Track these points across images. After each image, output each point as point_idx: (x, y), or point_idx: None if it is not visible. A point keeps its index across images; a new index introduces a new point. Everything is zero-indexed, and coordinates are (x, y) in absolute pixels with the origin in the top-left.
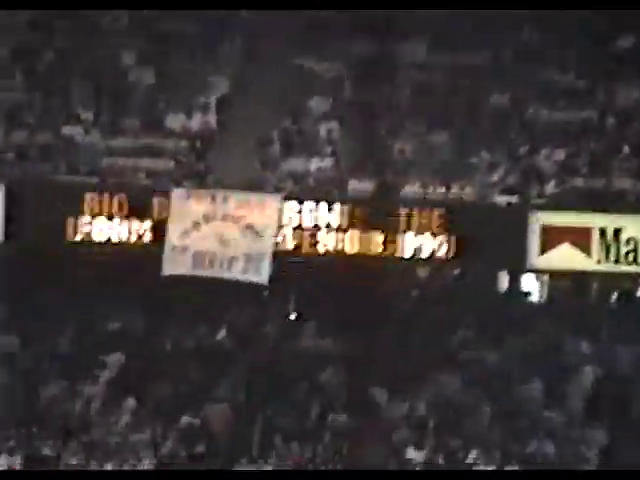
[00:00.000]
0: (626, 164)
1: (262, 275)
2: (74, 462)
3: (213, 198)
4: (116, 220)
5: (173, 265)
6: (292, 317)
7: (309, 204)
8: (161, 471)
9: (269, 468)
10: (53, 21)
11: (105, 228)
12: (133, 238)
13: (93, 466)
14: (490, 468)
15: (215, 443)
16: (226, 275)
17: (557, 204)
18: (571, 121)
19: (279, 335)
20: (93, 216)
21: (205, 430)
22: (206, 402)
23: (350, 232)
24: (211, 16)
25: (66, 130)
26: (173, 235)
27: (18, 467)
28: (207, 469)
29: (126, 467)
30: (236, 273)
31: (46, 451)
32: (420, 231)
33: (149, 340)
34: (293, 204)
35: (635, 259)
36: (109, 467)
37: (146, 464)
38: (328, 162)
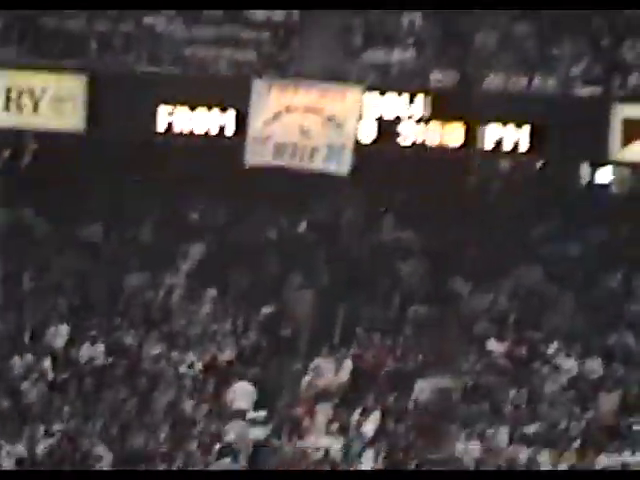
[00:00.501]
0: None
1: (343, 166)
2: (156, 351)
3: (295, 88)
4: (199, 111)
5: (255, 155)
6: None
7: (391, 95)
8: (161, 471)
9: (349, 357)
10: None
11: (187, 119)
12: (215, 129)
13: (174, 356)
14: (571, 360)
15: (297, 330)
16: (307, 165)
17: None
18: None
19: (361, 226)
20: (176, 106)
21: (287, 318)
22: (287, 291)
23: (432, 124)
24: None
25: (148, 20)
26: (255, 126)
27: (101, 357)
28: (206, 469)
29: (207, 357)
30: (317, 164)
31: (128, 340)
32: (502, 123)
33: (230, 231)
34: (375, 95)
35: None
36: (190, 357)
37: (227, 354)
38: (410, 53)
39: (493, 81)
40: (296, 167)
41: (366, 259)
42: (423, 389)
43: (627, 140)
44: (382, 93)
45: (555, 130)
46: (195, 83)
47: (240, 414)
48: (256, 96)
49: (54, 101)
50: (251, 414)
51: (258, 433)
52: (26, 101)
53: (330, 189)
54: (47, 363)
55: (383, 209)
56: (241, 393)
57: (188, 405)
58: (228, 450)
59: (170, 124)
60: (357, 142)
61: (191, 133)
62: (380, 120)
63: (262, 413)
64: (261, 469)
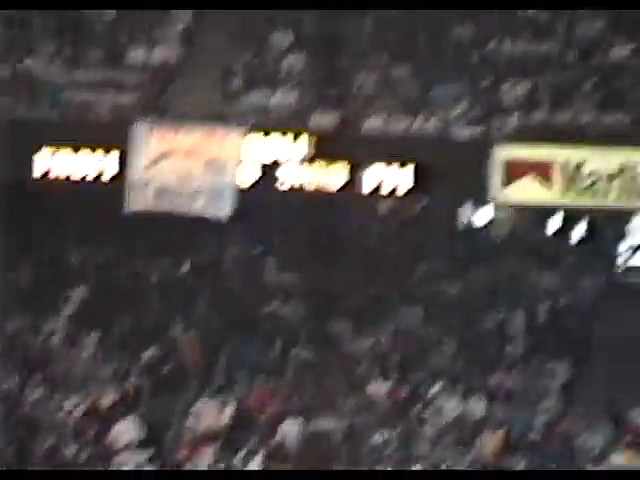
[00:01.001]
0: (588, 97)
1: (224, 210)
2: (37, 396)
3: (175, 131)
4: (78, 155)
5: (136, 201)
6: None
7: (271, 138)
8: (162, 471)
9: (232, 400)
10: None
11: (67, 163)
12: (95, 173)
13: (56, 399)
14: (454, 400)
15: (180, 375)
16: (188, 210)
17: (519, 137)
18: (533, 54)
19: (241, 270)
20: (54, 151)
21: (169, 361)
22: (170, 334)
23: (312, 165)
24: None
25: (26, 63)
26: (135, 169)
27: None
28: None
29: (89, 400)
30: (198, 208)
31: (10, 384)
32: (382, 164)
33: (112, 274)
34: (255, 137)
35: (597, 192)
36: (73, 400)
37: (110, 397)
38: (290, 95)
39: (374, 122)
40: (177, 212)
41: (248, 302)
42: (304, 431)
43: (507, 181)
44: (265, 134)
45: (436, 171)
46: (74, 127)
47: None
48: (136, 139)
49: None
50: (135, 454)
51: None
52: None
53: (212, 232)
54: None
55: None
56: (125, 431)
57: (70, 450)
58: None
59: (50, 168)
60: (238, 185)
61: (71, 177)
62: (261, 163)
63: (146, 454)
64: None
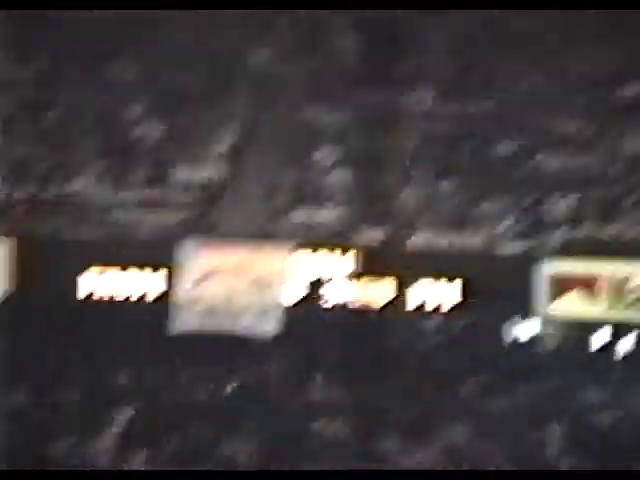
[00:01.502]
0: (634, 212)
1: (269, 329)
2: None
3: (221, 250)
4: (125, 274)
5: (183, 321)
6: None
7: (317, 255)
8: (161, 471)
9: None
10: (60, 74)
11: (114, 282)
12: (142, 292)
13: None
14: None
15: None
16: (233, 329)
17: (565, 252)
18: (579, 169)
19: (288, 388)
20: (102, 271)
21: None
22: (216, 457)
23: (358, 282)
24: (220, 67)
25: (74, 184)
26: (182, 288)
27: None
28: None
29: None
30: (245, 327)
31: None
32: (428, 280)
33: (158, 395)
34: (302, 254)
35: None
36: None
37: None
38: (337, 212)
39: (419, 238)
40: (223, 331)
41: (295, 419)
42: None
43: (554, 296)
44: (309, 252)
45: (483, 286)
46: (121, 246)
47: None
48: (183, 258)
49: None
50: None
51: None
52: None
53: (257, 350)
54: None
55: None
56: None
57: None
58: None
59: (95, 288)
60: (284, 303)
61: (117, 296)
62: (308, 280)
63: None
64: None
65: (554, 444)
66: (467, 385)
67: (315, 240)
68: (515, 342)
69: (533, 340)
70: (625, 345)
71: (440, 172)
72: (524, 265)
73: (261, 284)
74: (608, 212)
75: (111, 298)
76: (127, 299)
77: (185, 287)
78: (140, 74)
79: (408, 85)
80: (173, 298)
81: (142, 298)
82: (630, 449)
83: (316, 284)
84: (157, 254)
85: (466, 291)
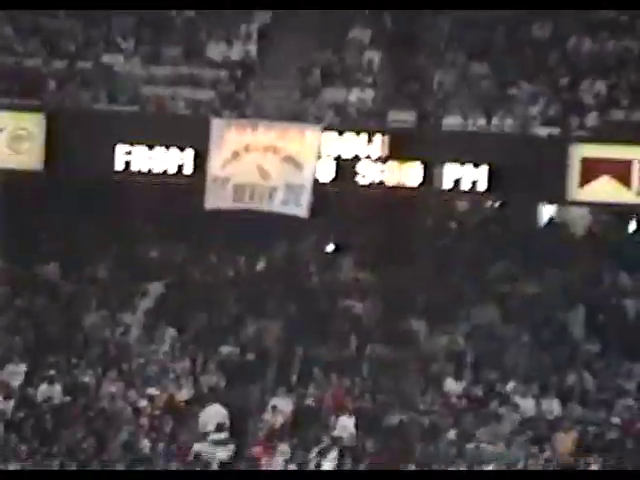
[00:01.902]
0: None
1: (302, 207)
2: (113, 390)
3: (253, 128)
4: (157, 149)
5: (215, 198)
6: (329, 249)
7: (349, 135)
8: (160, 471)
9: (309, 400)
10: None
11: (146, 158)
12: (174, 168)
13: (131, 395)
14: (529, 400)
15: (255, 370)
16: (266, 207)
17: (597, 136)
18: (612, 53)
19: (318, 267)
20: (134, 145)
21: (243, 360)
22: (245, 332)
23: (389, 163)
24: None
25: (106, 58)
26: (214, 166)
27: (58, 396)
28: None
29: (165, 395)
30: (276, 205)
31: (86, 379)
32: (460, 162)
33: (188, 270)
34: (333, 135)
35: None
36: (149, 394)
37: (184, 392)
38: (368, 93)
39: (451, 121)
40: (255, 209)
41: (324, 299)
42: (379, 428)
43: (585, 180)
44: (340, 133)
45: (513, 170)
46: (153, 122)
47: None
48: (215, 136)
49: (12, 140)
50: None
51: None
52: None
53: (288, 228)
54: (4, 403)
55: (336, 249)
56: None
57: (145, 444)
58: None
59: (128, 163)
60: (316, 181)
61: (149, 172)
62: (338, 160)
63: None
64: None
65: (578, 327)
66: (496, 267)
67: (345, 121)
68: (547, 225)
69: (564, 224)
70: None
71: (472, 55)
72: (556, 149)
73: (293, 163)
74: None
75: (148, 171)
76: (159, 175)
77: (217, 165)
78: None
79: None
80: (206, 176)
81: (175, 174)
82: None
83: (348, 164)
84: (189, 131)
85: (497, 175)
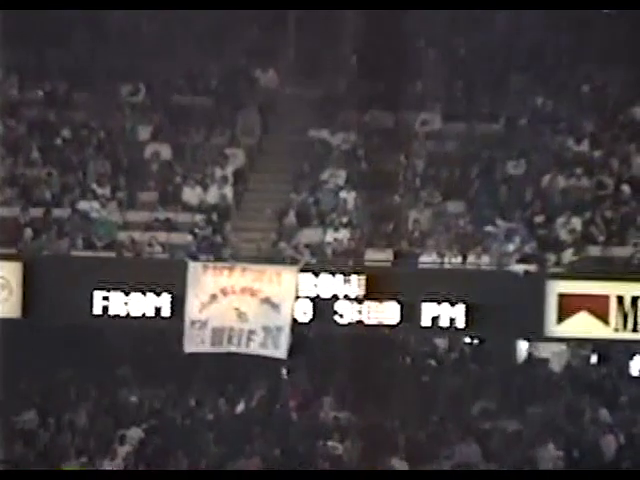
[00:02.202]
0: None
1: (281, 349)
2: None
3: (230, 271)
4: (133, 294)
5: (193, 342)
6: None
7: (325, 276)
8: (161, 471)
9: None
10: (70, 95)
11: (123, 303)
12: (151, 312)
13: None
14: None
15: None
16: (245, 350)
17: (574, 272)
18: (587, 189)
19: (297, 408)
20: (110, 290)
21: None
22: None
23: (366, 303)
24: (226, 89)
25: (82, 205)
26: (191, 309)
27: None
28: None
29: None
30: (255, 348)
31: None
32: (437, 300)
33: (168, 414)
34: (309, 276)
35: None
36: None
37: None
38: (343, 233)
39: (427, 259)
40: (234, 352)
41: (304, 439)
42: None
43: (563, 316)
44: (316, 274)
45: (491, 307)
46: (130, 267)
47: None
48: (191, 278)
49: None
50: None
51: None
52: None
53: (266, 370)
54: None
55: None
56: None
57: None
58: None
59: (106, 308)
60: (294, 321)
61: (127, 316)
62: (316, 300)
63: None
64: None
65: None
66: (476, 406)
67: (323, 261)
68: (524, 363)
69: (543, 361)
70: (636, 366)
71: (447, 193)
72: (533, 285)
73: (270, 305)
74: (616, 233)
75: (127, 315)
76: (136, 319)
77: (195, 308)
78: (148, 96)
79: (416, 106)
80: (183, 320)
81: (153, 317)
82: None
83: (325, 304)
84: (165, 275)
85: (475, 311)
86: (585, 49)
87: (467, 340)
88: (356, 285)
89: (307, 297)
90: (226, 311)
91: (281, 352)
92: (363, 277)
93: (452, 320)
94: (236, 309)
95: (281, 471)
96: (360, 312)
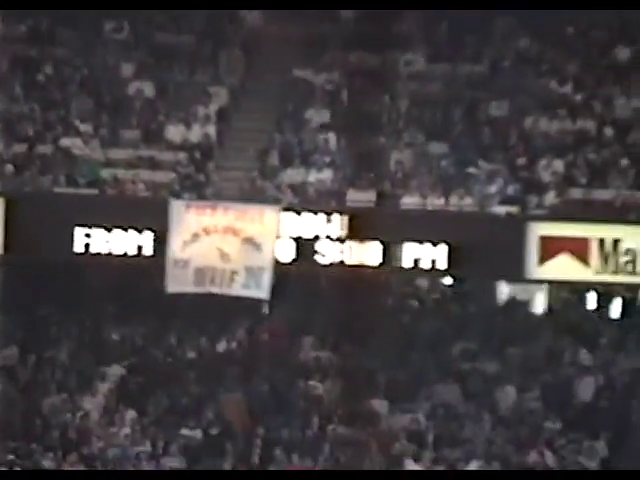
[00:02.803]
0: (624, 175)
1: (263, 289)
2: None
3: (212, 210)
4: (115, 232)
5: (176, 282)
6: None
7: (307, 215)
8: (161, 471)
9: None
10: (53, 31)
11: (105, 240)
12: (133, 250)
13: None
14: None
15: (215, 454)
16: (228, 291)
17: (555, 215)
18: (569, 131)
19: (279, 347)
20: (92, 227)
21: (205, 442)
22: (205, 414)
23: (349, 243)
24: (210, 28)
25: (65, 142)
26: (174, 248)
27: None
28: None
29: None
30: (237, 289)
31: (46, 464)
32: (419, 241)
33: (149, 352)
34: (291, 215)
35: (634, 269)
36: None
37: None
38: (326, 173)
39: (410, 200)
40: (216, 293)
41: (285, 379)
42: None
43: (544, 258)
44: (299, 213)
45: (472, 248)
46: (112, 204)
47: None
48: (174, 217)
49: None
50: None
51: None
52: None
53: (248, 308)
54: None
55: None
56: None
57: None
58: None
59: (88, 245)
60: (276, 262)
61: (109, 254)
62: (298, 240)
63: None
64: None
65: (544, 405)
66: (456, 348)
67: (305, 201)
68: (505, 305)
69: (523, 303)
70: (614, 309)
71: (430, 134)
72: (514, 227)
73: (252, 244)
74: (598, 175)
75: (108, 254)
76: (123, 255)
77: (177, 247)
78: (131, 33)
79: (400, 47)
80: (166, 259)
81: (135, 256)
82: (612, 418)
83: (307, 244)
84: (148, 214)
85: (456, 253)
86: None
87: (448, 281)
88: (338, 225)
89: (289, 237)
90: (208, 251)
91: (263, 293)
92: (345, 217)
93: (433, 262)
94: (218, 249)
95: (282, 471)
96: (342, 252)
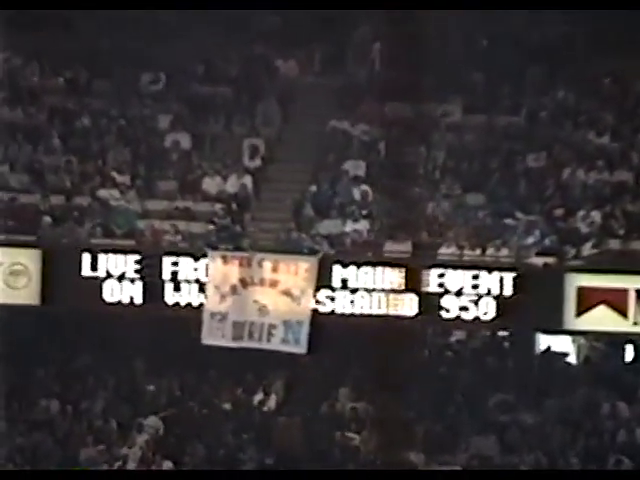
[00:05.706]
0: None
1: (301, 345)
2: None
3: (249, 261)
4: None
5: (213, 335)
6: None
7: (344, 267)
8: (161, 471)
9: None
10: (90, 83)
11: (142, 291)
12: (170, 301)
13: None
14: None
15: None
16: (266, 346)
17: (593, 265)
18: (607, 182)
19: (316, 398)
20: (130, 280)
21: None
22: (243, 466)
23: (386, 294)
24: (246, 78)
25: (102, 193)
26: (211, 300)
27: None
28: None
29: None
30: (276, 344)
31: None
32: (456, 293)
33: (186, 403)
34: (328, 266)
35: None
36: None
37: None
38: (363, 224)
39: (447, 251)
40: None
41: (322, 431)
42: None
43: (581, 309)
44: (337, 263)
45: (510, 299)
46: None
47: None
48: (211, 269)
49: (8, 275)
50: None
51: None
52: None
53: (286, 360)
54: None
55: None
56: None
57: None
58: None
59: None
60: (314, 312)
61: (146, 304)
62: (334, 290)
63: None
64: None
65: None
66: (495, 398)
67: (342, 252)
68: (543, 356)
69: (561, 354)
70: None
71: (468, 185)
72: (552, 279)
73: (290, 296)
74: (636, 226)
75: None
76: (154, 308)
77: (214, 300)
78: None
79: (436, 98)
80: (203, 312)
81: (170, 307)
82: None
83: (344, 295)
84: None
85: (494, 305)
86: (605, 41)
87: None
88: (374, 276)
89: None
90: (246, 304)
91: (302, 348)
92: (382, 268)
93: (472, 313)
94: (256, 302)
95: (284, 471)
96: (379, 303)
